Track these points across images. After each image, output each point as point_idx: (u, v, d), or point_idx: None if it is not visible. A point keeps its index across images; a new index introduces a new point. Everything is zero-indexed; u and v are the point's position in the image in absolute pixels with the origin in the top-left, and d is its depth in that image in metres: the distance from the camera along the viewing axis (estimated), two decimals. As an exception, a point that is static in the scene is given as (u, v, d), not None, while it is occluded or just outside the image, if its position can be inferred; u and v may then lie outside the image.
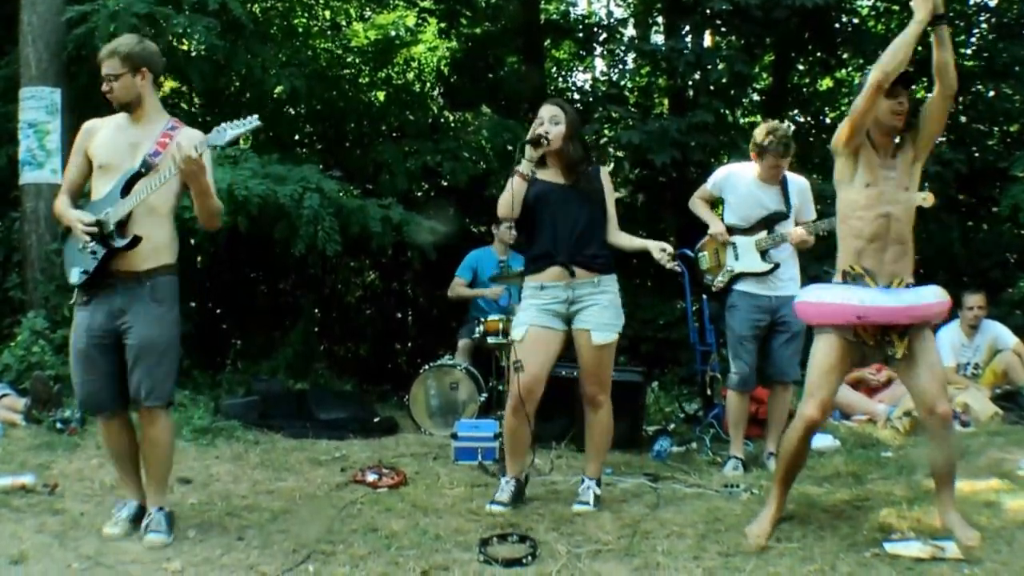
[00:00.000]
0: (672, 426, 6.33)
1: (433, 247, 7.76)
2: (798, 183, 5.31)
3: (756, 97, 11.04)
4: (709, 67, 9.36)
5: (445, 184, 9.53)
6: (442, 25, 11.04)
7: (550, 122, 4.24)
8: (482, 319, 6.33)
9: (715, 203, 5.49)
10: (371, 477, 4.68)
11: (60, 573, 3.32)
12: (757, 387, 5.40)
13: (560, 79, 13.22)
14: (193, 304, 8.59)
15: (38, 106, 6.94)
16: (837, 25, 9.83)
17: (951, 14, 9.78)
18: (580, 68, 13.83)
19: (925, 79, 10.57)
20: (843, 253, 3.75)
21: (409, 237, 7.50)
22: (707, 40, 10.73)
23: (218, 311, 9.64)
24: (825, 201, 6.76)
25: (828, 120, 11.17)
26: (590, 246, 4.27)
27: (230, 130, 3.57)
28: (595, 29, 12.23)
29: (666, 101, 11.25)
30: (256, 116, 3.66)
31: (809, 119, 11.51)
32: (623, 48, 11.64)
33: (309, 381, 7.80)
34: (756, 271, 5.17)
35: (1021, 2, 10.02)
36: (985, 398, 6.48)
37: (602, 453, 4.42)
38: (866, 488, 4.53)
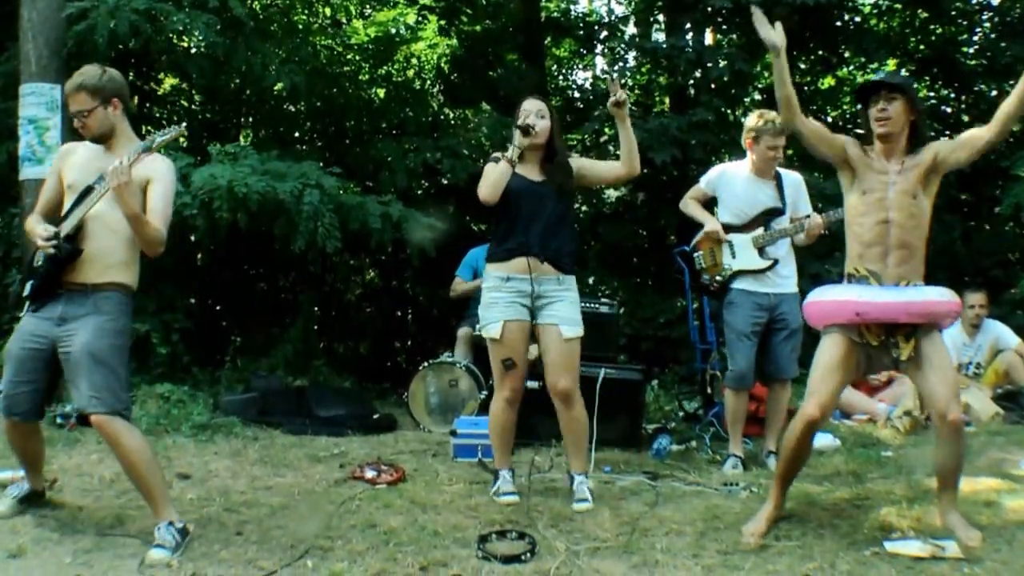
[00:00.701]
0: (672, 424, 6.32)
1: (433, 245, 7.75)
2: (792, 178, 5.30)
3: (757, 96, 11.01)
4: (710, 65, 9.37)
5: (445, 182, 9.52)
6: (442, 22, 11.03)
7: (536, 115, 4.30)
8: (483, 315, 6.32)
9: (707, 204, 5.46)
10: (370, 473, 4.67)
11: (58, 568, 3.32)
12: (756, 385, 5.38)
13: (560, 77, 13.21)
14: (193, 301, 8.59)
15: (38, 102, 6.92)
16: (838, 23, 9.83)
17: (953, 12, 9.80)
18: (580, 66, 13.82)
19: (927, 78, 10.62)
20: (848, 256, 3.77)
21: (407, 234, 7.49)
22: (708, 38, 10.72)
23: (217, 308, 9.63)
24: (826, 199, 6.77)
25: (830, 119, 11.15)
26: (559, 244, 4.32)
27: (159, 136, 3.59)
28: (596, 27, 12.22)
29: (667, 99, 11.23)
30: (183, 125, 3.74)
31: (810, 118, 11.46)
32: (624, 46, 11.62)
33: (308, 378, 7.79)
34: (754, 268, 5.15)
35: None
36: (986, 398, 6.48)
37: (584, 446, 4.44)
38: (866, 487, 4.52)
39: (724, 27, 10.40)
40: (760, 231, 5.15)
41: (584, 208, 11.35)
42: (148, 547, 3.44)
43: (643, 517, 4.01)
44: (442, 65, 11.49)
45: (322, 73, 9.69)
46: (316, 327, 9.54)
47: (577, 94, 12.30)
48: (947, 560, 3.36)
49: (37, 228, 3.68)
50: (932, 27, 10.33)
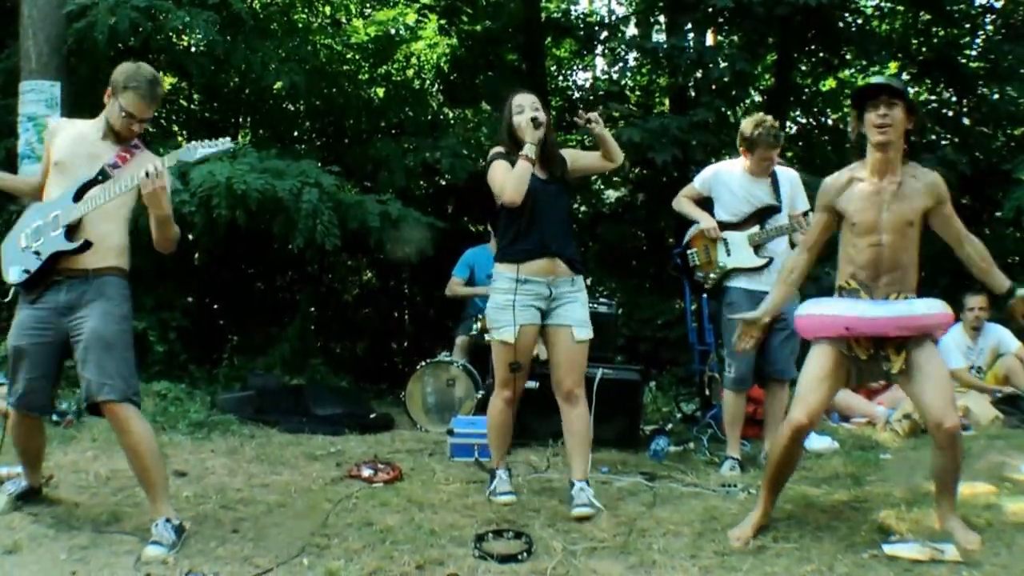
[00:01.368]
0: (670, 426, 6.32)
1: (431, 245, 7.75)
2: (788, 175, 5.29)
3: (757, 97, 11.02)
4: (711, 66, 9.35)
5: (444, 182, 9.52)
6: (442, 22, 11.03)
7: (533, 109, 4.24)
8: (479, 316, 6.32)
9: (703, 204, 5.43)
10: (367, 472, 4.66)
11: (54, 564, 3.31)
12: (754, 387, 5.37)
13: (560, 77, 13.21)
14: (190, 299, 8.58)
15: (38, 99, 6.92)
16: (840, 24, 9.82)
17: (956, 15, 9.78)
18: (580, 66, 13.81)
19: (929, 80, 10.60)
20: (839, 272, 3.73)
21: (396, 246, 7.49)
22: (709, 38, 10.71)
23: (215, 306, 9.63)
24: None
25: (830, 121, 11.15)
26: (571, 243, 4.34)
27: (201, 149, 3.54)
28: (596, 27, 12.21)
29: (667, 100, 11.23)
30: (229, 139, 3.64)
31: (811, 120, 11.50)
32: (624, 46, 11.61)
33: (305, 377, 7.79)
34: (750, 266, 5.14)
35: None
36: (986, 402, 6.47)
37: (587, 449, 4.32)
38: (864, 489, 4.52)
39: (725, 28, 10.39)
40: (756, 229, 5.14)
41: (583, 208, 11.35)
42: (144, 544, 3.43)
43: (640, 518, 4.00)
44: (442, 65, 11.49)
45: (322, 72, 9.70)
46: (313, 326, 9.53)
47: (577, 95, 12.29)
48: (946, 563, 3.35)
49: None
50: (934, 29, 10.33)
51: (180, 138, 9.25)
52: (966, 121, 10.48)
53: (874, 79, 3.69)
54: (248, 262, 9.77)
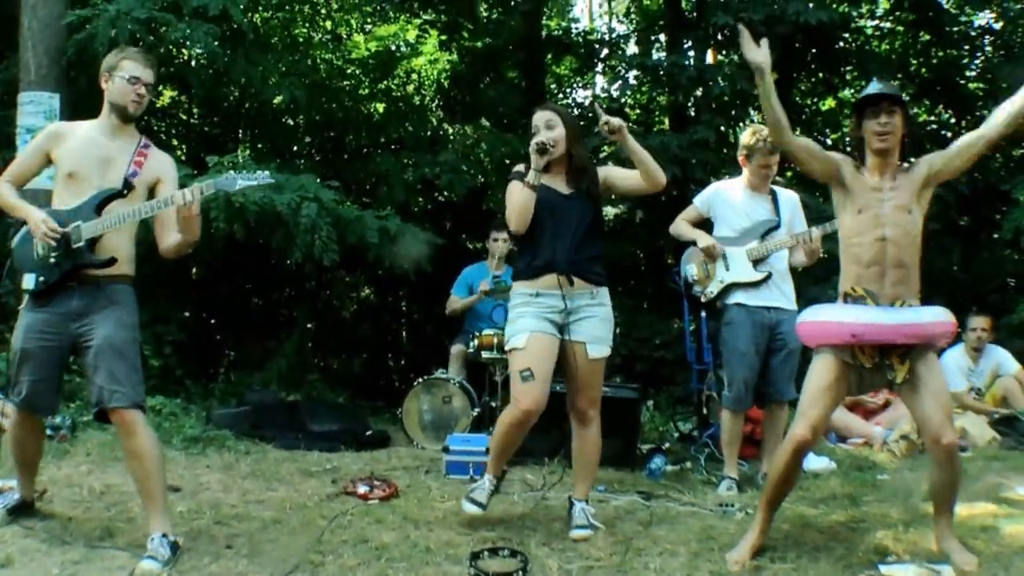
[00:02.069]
0: (667, 445, 6.31)
1: (428, 261, 7.75)
2: (789, 196, 5.30)
3: (757, 116, 11.03)
4: (711, 84, 9.39)
5: (442, 198, 9.53)
6: (443, 38, 11.08)
7: (546, 128, 4.09)
8: (476, 333, 6.30)
9: (702, 224, 5.42)
10: (362, 489, 4.64)
11: (44, 579, 3.28)
12: (752, 407, 5.36)
13: (560, 95, 13.25)
14: (187, 314, 8.58)
15: (37, 111, 6.92)
16: (841, 44, 9.87)
17: (955, 36, 9.82)
18: (580, 84, 13.86)
19: (928, 100, 10.61)
20: (843, 277, 3.72)
21: (394, 258, 7.49)
22: (709, 57, 10.75)
23: (212, 321, 9.63)
24: (824, 220, 6.76)
25: (830, 141, 11.18)
26: (589, 257, 4.12)
27: (241, 180, 3.62)
28: (597, 45, 12.26)
29: (667, 118, 11.26)
30: (268, 173, 3.72)
31: (801, 135, 11.50)
32: (625, 64, 11.65)
33: (302, 393, 7.78)
34: (748, 280, 5.13)
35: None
36: (983, 423, 6.47)
37: (593, 472, 4.27)
38: (862, 510, 4.50)
39: (725, 46, 10.42)
40: (755, 243, 5.14)
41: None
42: (137, 559, 3.41)
43: (637, 537, 3.98)
44: (442, 81, 11.53)
45: (322, 87, 9.73)
46: (311, 342, 9.54)
47: (577, 112, 12.31)
48: (942, 585, 3.34)
49: (28, 208, 3.63)
50: (933, 50, 10.38)
51: (179, 151, 9.27)
52: (965, 141, 10.50)
53: (874, 87, 3.73)
54: (246, 277, 9.77)
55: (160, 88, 9.06)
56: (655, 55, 11.73)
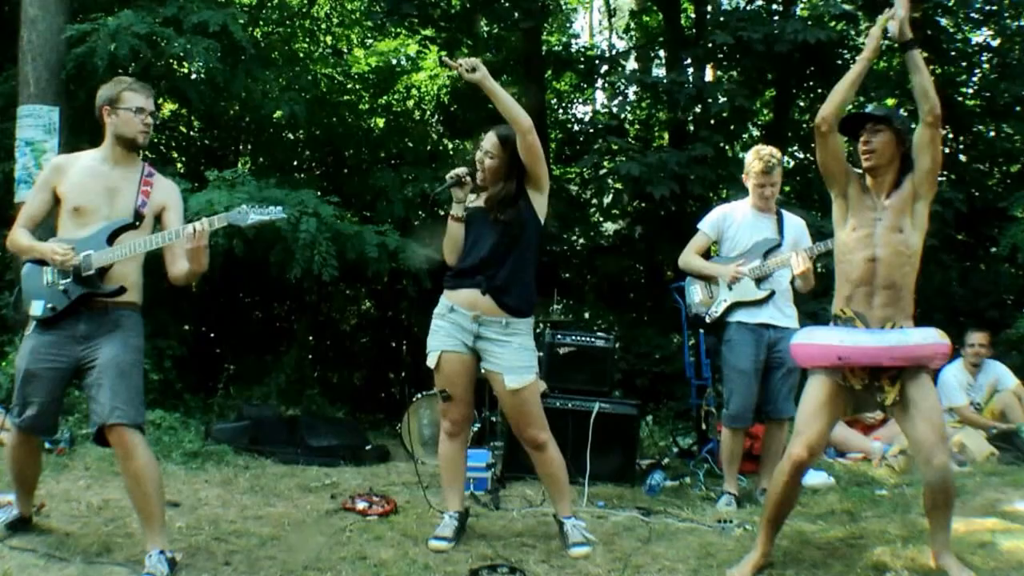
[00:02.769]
0: (666, 460, 6.31)
1: (428, 275, 7.75)
2: (794, 220, 5.32)
3: (756, 132, 11.09)
4: (710, 101, 9.41)
5: (442, 213, 9.53)
6: (443, 54, 11.09)
7: (485, 155, 4.06)
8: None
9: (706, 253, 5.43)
10: (361, 505, 4.63)
11: (41, 595, 3.28)
12: (752, 423, 5.36)
13: (560, 110, 13.29)
14: (187, 328, 8.58)
15: (36, 124, 6.94)
16: (839, 62, 9.90)
17: (952, 53, 9.87)
18: (580, 100, 13.90)
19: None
20: (836, 297, 3.74)
21: (405, 264, 7.49)
22: (708, 74, 10.79)
23: (212, 335, 9.63)
24: (824, 237, 6.79)
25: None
26: (509, 281, 4.02)
27: (253, 215, 3.63)
28: (597, 61, 12.31)
29: (666, 134, 11.30)
30: (281, 208, 3.72)
31: (809, 155, 11.54)
32: (624, 80, 11.70)
33: (301, 407, 7.77)
34: (752, 299, 5.14)
35: (1023, 42, 10.10)
36: (981, 437, 6.46)
37: (565, 488, 4.21)
38: (860, 526, 4.49)
39: (725, 63, 10.47)
40: (757, 262, 5.15)
41: (581, 241, 11.38)
42: (135, 575, 3.41)
43: (636, 553, 3.98)
44: (442, 96, 11.56)
45: (322, 102, 9.76)
46: (310, 356, 9.54)
47: (577, 128, 12.36)
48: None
49: (41, 245, 3.66)
50: (931, 67, 10.39)
51: (179, 164, 9.28)
52: (962, 158, 10.56)
53: (868, 110, 3.81)
54: (245, 291, 9.78)
55: (160, 101, 9.10)
56: (655, 72, 11.80)
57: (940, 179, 9.72)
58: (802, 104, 10.96)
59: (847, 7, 9.30)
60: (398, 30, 10.80)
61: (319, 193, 7.67)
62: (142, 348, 3.75)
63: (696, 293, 5.42)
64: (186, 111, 9.65)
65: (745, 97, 9.42)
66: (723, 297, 5.24)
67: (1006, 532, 4.27)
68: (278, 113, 8.66)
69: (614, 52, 12.94)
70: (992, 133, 10.28)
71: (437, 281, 7.80)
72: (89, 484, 4.89)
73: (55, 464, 5.24)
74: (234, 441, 6.18)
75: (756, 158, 5.15)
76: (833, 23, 9.34)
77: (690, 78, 9.99)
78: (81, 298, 3.61)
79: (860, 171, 3.81)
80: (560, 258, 11.07)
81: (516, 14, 10.54)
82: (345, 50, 11.38)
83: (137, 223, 3.67)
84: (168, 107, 9.57)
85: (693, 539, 4.24)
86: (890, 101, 10.81)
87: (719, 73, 10.83)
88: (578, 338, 6.11)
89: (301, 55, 10.36)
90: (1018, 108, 9.86)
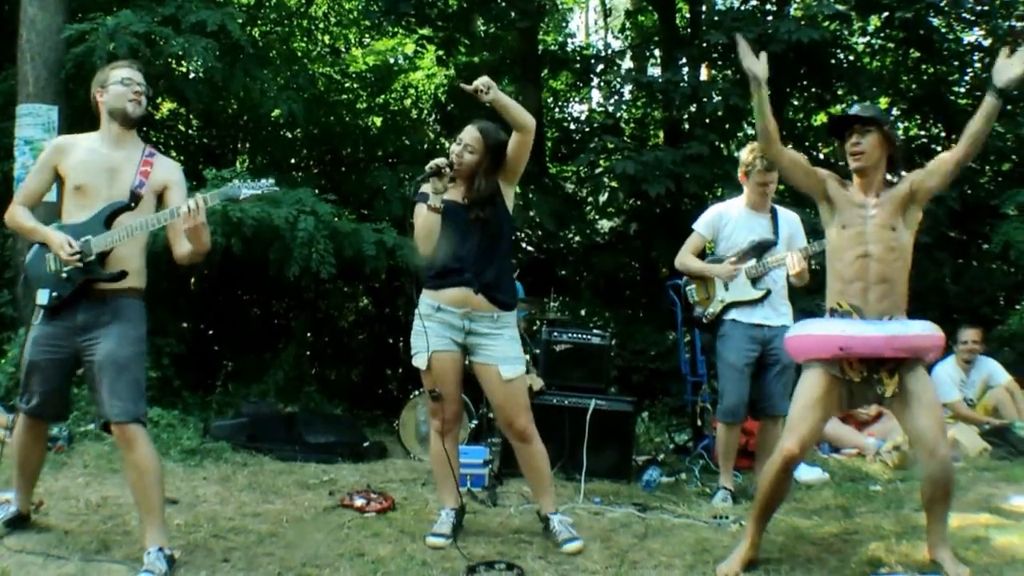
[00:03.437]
0: (662, 456, 6.34)
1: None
2: (788, 216, 5.34)
3: (750, 131, 11.11)
4: (705, 100, 9.45)
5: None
6: (440, 53, 11.14)
7: (465, 149, 4.08)
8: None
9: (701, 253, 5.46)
10: (359, 501, 4.65)
11: (42, 592, 3.29)
12: (747, 419, 5.39)
13: (556, 109, 13.32)
14: (186, 325, 8.59)
15: (35, 123, 6.96)
16: (832, 61, 9.95)
17: (945, 52, 9.91)
18: (577, 99, 13.93)
19: (919, 116, 10.67)
20: (828, 293, 3.74)
21: (403, 261, 7.52)
22: (703, 73, 10.83)
23: (210, 332, 9.64)
24: (817, 234, 6.83)
25: (821, 156, 11.27)
26: (495, 275, 4.07)
27: (246, 189, 3.65)
28: (592, 60, 12.34)
29: (661, 132, 11.33)
30: (272, 181, 3.74)
31: (803, 154, 11.60)
32: (620, 79, 11.74)
33: (299, 404, 7.78)
34: (748, 299, 5.17)
35: (1015, 42, 10.14)
36: (974, 433, 6.49)
37: (548, 482, 4.24)
38: (854, 521, 4.53)
39: (719, 63, 10.52)
40: (752, 262, 5.17)
41: (577, 238, 11.42)
42: (134, 573, 3.42)
43: (632, 549, 4.00)
44: (439, 95, 11.58)
45: (320, 100, 9.78)
46: (308, 353, 9.54)
47: (573, 126, 12.40)
48: (935, 596, 3.36)
49: (46, 231, 3.66)
50: (924, 67, 10.47)
51: (178, 163, 9.28)
52: (954, 156, 10.59)
53: (853, 109, 3.79)
54: (244, 288, 9.79)
55: (159, 100, 9.13)
56: (650, 71, 11.83)
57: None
58: (796, 103, 11.00)
59: (840, 7, 9.34)
60: (395, 29, 10.83)
61: (317, 191, 7.68)
62: (143, 338, 3.72)
63: (693, 291, 5.45)
64: (184, 110, 9.67)
65: (739, 96, 9.42)
66: (720, 297, 5.28)
67: (999, 527, 4.30)
68: (276, 112, 8.68)
69: (610, 51, 13.01)
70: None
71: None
72: (88, 482, 4.89)
73: (54, 462, 5.23)
74: (232, 438, 6.18)
75: (757, 156, 5.13)
76: (826, 23, 9.38)
77: (685, 77, 10.02)
78: (83, 284, 3.60)
79: (834, 172, 3.81)
80: (556, 255, 11.10)
81: (513, 14, 10.58)
82: (343, 49, 11.40)
83: (133, 204, 3.64)
84: (167, 106, 9.60)
85: (689, 535, 4.27)
86: (883, 100, 10.88)
87: (714, 72, 10.88)
88: (574, 335, 6.14)
89: (299, 54, 10.37)
90: (1009, 107, 9.88)
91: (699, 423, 6.37)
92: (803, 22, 9.04)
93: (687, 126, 10.17)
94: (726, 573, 3.60)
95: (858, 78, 9.93)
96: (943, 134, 10.81)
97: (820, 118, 11.60)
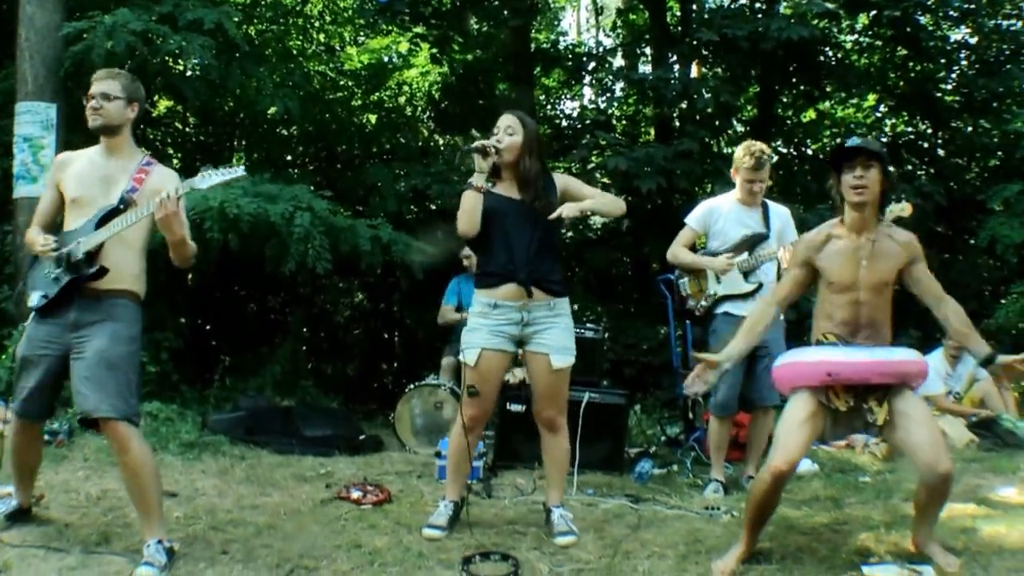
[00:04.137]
0: (654, 449, 6.39)
1: (421, 268, 7.83)
2: (779, 210, 5.39)
3: (740, 128, 11.19)
4: (695, 97, 9.48)
5: (434, 207, 9.62)
6: (434, 51, 11.16)
7: (504, 132, 4.11)
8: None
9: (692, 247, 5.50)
10: (355, 494, 4.70)
11: (43, 584, 3.33)
12: (739, 412, 5.45)
13: (549, 106, 13.36)
14: (183, 320, 8.62)
15: (33, 121, 6.98)
16: (821, 58, 10.02)
17: (931, 50, 9.99)
18: (569, 96, 13.97)
19: (906, 113, 10.77)
20: (815, 328, 3.74)
21: (398, 257, 7.57)
22: (694, 70, 10.88)
23: (207, 327, 9.67)
24: (808, 230, 6.90)
25: (810, 151, 11.36)
26: (546, 266, 4.11)
27: (214, 176, 3.53)
28: (584, 58, 12.38)
29: (652, 129, 11.38)
30: (242, 168, 3.62)
31: (792, 150, 11.68)
32: (611, 77, 11.78)
33: (296, 398, 7.82)
34: (739, 292, 5.23)
35: (1000, 40, 10.23)
36: (961, 425, 6.58)
37: (564, 476, 4.32)
38: (844, 512, 4.59)
39: (710, 60, 10.57)
40: (744, 255, 5.23)
41: (569, 234, 11.46)
42: (134, 565, 3.44)
43: (625, 540, 4.06)
44: (433, 92, 11.62)
45: (315, 98, 9.79)
46: (305, 347, 9.58)
47: (565, 123, 12.44)
48: (923, 584, 3.41)
49: (37, 239, 3.72)
50: (911, 64, 10.52)
51: (175, 160, 9.33)
52: (941, 152, 10.71)
53: (852, 141, 3.69)
54: (240, 284, 9.81)
55: (156, 98, 9.16)
56: (641, 68, 11.86)
57: (920, 173, 9.91)
58: (785, 100, 11.06)
59: (829, 5, 9.38)
60: (389, 28, 10.84)
61: (312, 188, 7.71)
62: (137, 339, 3.70)
63: (686, 284, 5.49)
64: (181, 108, 9.68)
65: (730, 93, 9.50)
66: (712, 290, 5.33)
67: (987, 518, 4.37)
68: (272, 109, 8.70)
69: (601, 49, 13.01)
70: (970, 128, 10.42)
71: (429, 274, 7.94)
72: (88, 475, 4.93)
73: (54, 455, 5.27)
74: (230, 432, 6.21)
75: (747, 153, 5.17)
76: (816, 21, 9.44)
77: (676, 75, 10.07)
78: (71, 283, 3.61)
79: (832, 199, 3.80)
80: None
81: (505, 12, 10.63)
82: (338, 47, 11.40)
83: (122, 207, 3.63)
84: (164, 104, 9.61)
85: (681, 525, 4.33)
86: (871, 97, 10.96)
87: (704, 70, 10.92)
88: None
89: (294, 52, 10.37)
90: (995, 104, 9.98)
91: (690, 416, 6.42)
92: (793, 20, 9.12)
93: (678, 123, 10.20)
94: (723, 571, 3.61)
95: (847, 75, 10.02)
96: (930, 130, 10.90)
97: (809, 114, 11.69)
